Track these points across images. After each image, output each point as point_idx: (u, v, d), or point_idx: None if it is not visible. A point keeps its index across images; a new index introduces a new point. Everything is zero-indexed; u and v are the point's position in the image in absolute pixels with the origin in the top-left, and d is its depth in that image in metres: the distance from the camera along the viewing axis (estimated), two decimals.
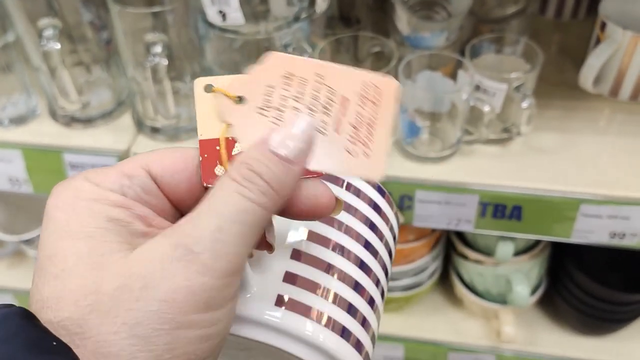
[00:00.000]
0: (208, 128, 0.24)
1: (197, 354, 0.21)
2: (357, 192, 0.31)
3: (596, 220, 0.61)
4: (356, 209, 0.30)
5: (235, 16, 0.53)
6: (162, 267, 0.21)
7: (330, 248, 0.28)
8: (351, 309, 0.28)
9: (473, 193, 0.61)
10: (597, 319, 0.77)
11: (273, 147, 0.23)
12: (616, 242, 0.63)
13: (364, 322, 0.28)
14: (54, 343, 0.19)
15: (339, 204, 0.25)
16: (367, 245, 0.30)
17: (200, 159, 0.24)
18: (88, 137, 0.68)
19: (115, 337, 0.20)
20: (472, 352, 0.83)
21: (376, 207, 0.31)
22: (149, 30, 0.61)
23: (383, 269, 0.31)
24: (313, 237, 0.28)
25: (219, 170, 0.24)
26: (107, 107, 0.70)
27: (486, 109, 0.58)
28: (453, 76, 0.63)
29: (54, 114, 0.70)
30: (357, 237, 0.29)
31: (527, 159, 0.63)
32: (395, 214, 0.33)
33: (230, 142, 0.24)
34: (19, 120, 0.70)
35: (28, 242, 0.83)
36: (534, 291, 0.80)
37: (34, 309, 0.21)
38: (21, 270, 0.91)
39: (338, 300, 0.27)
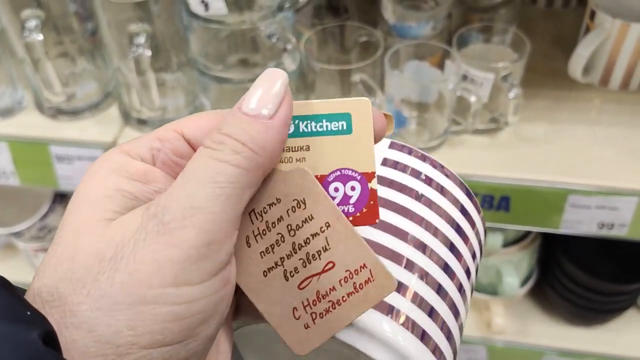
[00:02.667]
0: None
1: (165, 334, 0.19)
2: (440, 189, 0.29)
3: (585, 210, 0.60)
4: (438, 206, 0.28)
5: (218, 6, 0.52)
6: (133, 238, 0.20)
7: (412, 244, 0.27)
8: (432, 313, 0.26)
9: None
10: (588, 310, 0.77)
11: (244, 109, 0.21)
12: (605, 233, 0.62)
13: (443, 327, 0.27)
14: (28, 313, 0.18)
15: (389, 119, 0.24)
16: (452, 247, 0.28)
17: None
18: (74, 129, 0.68)
19: (79, 309, 0.19)
20: (463, 344, 0.83)
21: (462, 209, 0.29)
22: (134, 21, 0.60)
23: (467, 274, 0.29)
24: (391, 229, 0.27)
25: None
26: (94, 99, 0.70)
27: (473, 99, 0.57)
28: (441, 66, 0.62)
29: (40, 106, 0.69)
30: (444, 239, 0.28)
31: (515, 150, 0.63)
32: (482, 220, 0.31)
33: None
34: (5, 113, 0.69)
35: (17, 234, 0.82)
36: (524, 282, 0.80)
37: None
38: (11, 263, 0.91)
39: (419, 301, 0.26)
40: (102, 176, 0.22)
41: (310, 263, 0.23)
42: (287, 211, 0.23)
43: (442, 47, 0.61)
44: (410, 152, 0.30)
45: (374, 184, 0.23)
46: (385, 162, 0.30)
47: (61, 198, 0.83)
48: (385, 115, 0.24)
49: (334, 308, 0.23)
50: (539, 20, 0.80)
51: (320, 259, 0.23)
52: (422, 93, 0.61)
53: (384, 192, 0.28)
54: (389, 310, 0.25)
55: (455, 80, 0.58)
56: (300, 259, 0.23)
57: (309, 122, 0.23)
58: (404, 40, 0.61)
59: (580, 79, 0.66)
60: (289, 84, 0.22)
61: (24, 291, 0.20)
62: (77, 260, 0.20)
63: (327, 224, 0.23)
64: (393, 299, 0.26)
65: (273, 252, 0.23)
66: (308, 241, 0.23)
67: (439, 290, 0.27)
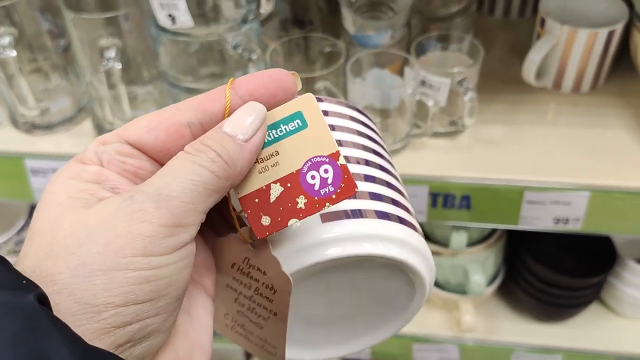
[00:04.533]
0: (246, 183, 0.27)
1: (137, 293, 0.22)
2: (338, 114, 0.32)
3: (540, 206, 0.63)
4: (342, 126, 0.32)
5: (184, 19, 0.55)
6: (110, 216, 0.23)
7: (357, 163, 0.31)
8: (396, 202, 0.30)
9: (423, 184, 0.64)
10: (554, 305, 0.80)
11: (224, 129, 0.25)
12: (561, 228, 0.65)
13: (394, 202, 0.31)
14: (24, 281, 0.21)
15: (295, 76, 0.27)
16: (374, 152, 0.32)
17: (246, 215, 0.27)
18: (49, 143, 0.69)
19: (59, 277, 0.22)
20: (435, 343, 0.85)
21: (359, 121, 0.34)
22: (105, 36, 0.62)
23: (388, 161, 0.33)
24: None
25: (265, 220, 0.27)
26: (67, 113, 0.72)
27: (430, 103, 0.60)
28: (401, 73, 0.65)
29: (14, 121, 0.71)
30: (365, 147, 0.32)
31: (474, 151, 0.66)
32: (369, 118, 0.36)
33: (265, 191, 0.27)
34: None
35: None
36: (491, 281, 0.82)
37: None
38: None
39: (386, 199, 0.30)
40: (63, 183, 0.25)
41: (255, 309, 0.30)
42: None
43: (402, 55, 0.64)
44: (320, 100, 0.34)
45: (341, 160, 0.26)
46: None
47: None
48: (292, 73, 0.27)
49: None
50: (497, 30, 0.84)
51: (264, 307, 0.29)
52: (383, 99, 0.64)
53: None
54: (359, 214, 0.29)
55: (414, 85, 0.61)
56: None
57: (270, 131, 0.26)
58: (364, 49, 0.64)
59: (534, 83, 0.69)
60: (265, 114, 0.26)
61: None
62: (56, 242, 0.23)
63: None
64: (355, 203, 0.29)
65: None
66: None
67: (389, 184, 0.31)
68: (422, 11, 0.70)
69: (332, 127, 0.31)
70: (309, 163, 0.26)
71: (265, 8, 0.56)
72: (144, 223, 0.23)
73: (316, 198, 0.26)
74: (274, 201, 0.26)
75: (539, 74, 0.70)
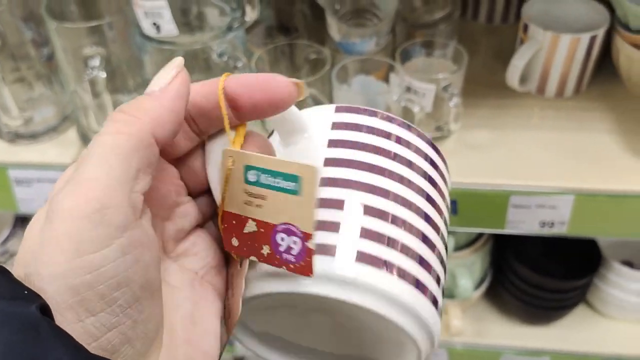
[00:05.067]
0: (231, 201, 0.27)
1: (86, 305, 0.21)
2: (408, 145, 0.30)
3: (526, 210, 0.64)
4: (412, 162, 0.30)
5: (169, 28, 0.55)
6: (39, 229, 0.22)
7: (392, 199, 0.28)
8: (423, 261, 0.28)
9: None
10: (540, 308, 0.81)
11: (144, 93, 0.24)
12: (547, 231, 0.66)
13: (432, 273, 0.28)
14: (25, 292, 0.20)
15: (299, 87, 0.26)
16: (429, 199, 0.30)
17: (222, 228, 0.27)
18: (33, 153, 0.69)
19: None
20: None
21: (432, 163, 0.31)
22: (89, 45, 0.62)
23: (445, 223, 0.31)
24: (376, 191, 0.28)
25: (234, 241, 0.27)
26: (52, 123, 0.71)
27: (416, 109, 0.61)
28: (387, 79, 0.66)
29: None
30: (419, 190, 0.29)
31: (461, 156, 0.66)
32: (445, 164, 0.33)
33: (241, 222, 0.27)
34: None
35: None
36: (479, 284, 0.83)
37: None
38: None
39: (408, 252, 0.27)
40: None
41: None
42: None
43: (387, 62, 0.64)
44: (375, 114, 0.31)
45: (311, 244, 0.25)
46: (359, 128, 0.30)
47: (22, 222, 0.84)
48: (296, 83, 0.26)
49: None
50: (481, 35, 0.85)
51: None
52: (369, 105, 0.64)
53: (362, 156, 0.29)
54: (383, 264, 0.27)
55: (399, 91, 0.62)
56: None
57: (268, 175, 0.26)
58: (350, 56, 0.64)
59: (518, 88, 0.70)
60: (182, 64, 0.25)
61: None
62: (23, 260, 0.22)
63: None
64: (385, 252, 0.27)
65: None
66: None
67: (424, 238, 0.29)
68: (406, 18, 0.71)
69: (395, 156, 0.29)
70: (284, 226, 0.26)
71: (250, 16, 0.56)
72: (64, 222, 0.20)
73: (277, 256, 0.26)
74: (246, 233, 0.26)
75: (523, 79, 0.71)
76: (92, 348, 0.21)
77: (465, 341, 0.85)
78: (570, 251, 0.81)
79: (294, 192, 0.25)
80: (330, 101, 0.65)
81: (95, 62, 0.58)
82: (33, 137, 0.70)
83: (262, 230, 0.26)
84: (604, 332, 0.84)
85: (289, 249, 0.26)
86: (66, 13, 0.66)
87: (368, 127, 0.30)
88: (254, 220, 0.26)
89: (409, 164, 0.29)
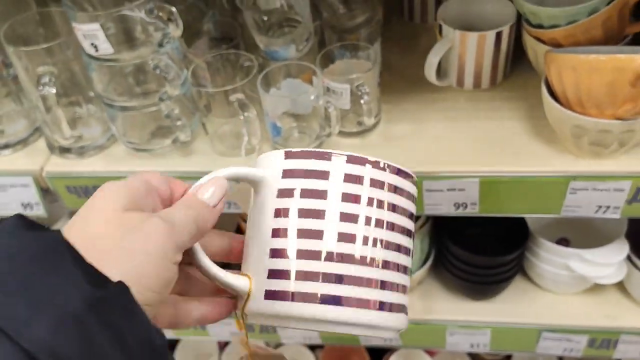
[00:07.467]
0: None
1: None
2: (357, 179, 0.40)
3: (439, 193, 0.71)
4: (399, 206, 0.42)
5: (105, 47, 0.63)
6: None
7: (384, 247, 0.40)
8: (384, 284, 0.40)
9: None
10: (477, 284, 0.87)
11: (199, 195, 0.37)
12: (462, 212, 0.73)
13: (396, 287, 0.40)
14: (45, 226, 0.30)
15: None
16: (409, 233, 0.42)
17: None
18: (6, 161, 0.78)
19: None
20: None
21: (412, 197, 0.44)
22: (46, 64, 0.71)
23: (408, 234, 0.42)
24: (311, 234, 0.39)
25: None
26: (23, 134, 0.80)
27: (331, 109, 0.68)
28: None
29: None
30: (404, 230, 0.42)
31: (383, 147, 0.73)
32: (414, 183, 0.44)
33: None
34: None
35: None
36: (421, 265, 0.90)
37: None
38: None
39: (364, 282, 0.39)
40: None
41: None
42: None
43: (308, 65, 0.71)
44: (365, 162, 0.41)
45: None
46: (307, 174, 0.39)
47: None
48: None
49: None
50: (413, 36, 0.91)
51: None
52: (297, 106, 0.71)
53: (305, 203, 0.39)
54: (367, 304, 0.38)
55: (319, 92, 0.69)
56: None
57: None
58: (275, 62, 0.72)
59: (437, 82, 0.77)
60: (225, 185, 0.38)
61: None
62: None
63: None
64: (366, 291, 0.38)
65: None
66: None
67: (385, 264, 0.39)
68: (334, 25, 0.78)
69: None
70: None
71: (175, 33, 0.64)
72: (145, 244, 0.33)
73: None
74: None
75: (444, 73, 0.78)
76: None
77: (414, 317, 0.92)
78: (503, 232, 0.87)
79: None
80: (260, 104, 0.72)
81: (46, 79, 0.66)
82: (6, 147, 0.79)
83: None
84: (541, 305, 0.91)
85: None
86: (29, 34, 0.75)
87: (311, 170, 0.39)
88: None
89: (355, 199, 0.39)
